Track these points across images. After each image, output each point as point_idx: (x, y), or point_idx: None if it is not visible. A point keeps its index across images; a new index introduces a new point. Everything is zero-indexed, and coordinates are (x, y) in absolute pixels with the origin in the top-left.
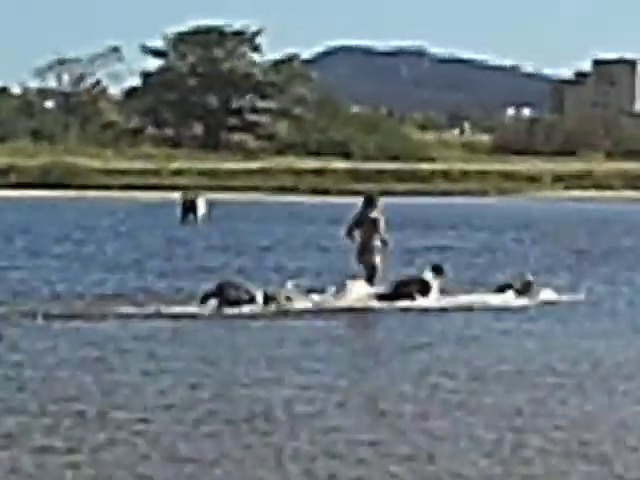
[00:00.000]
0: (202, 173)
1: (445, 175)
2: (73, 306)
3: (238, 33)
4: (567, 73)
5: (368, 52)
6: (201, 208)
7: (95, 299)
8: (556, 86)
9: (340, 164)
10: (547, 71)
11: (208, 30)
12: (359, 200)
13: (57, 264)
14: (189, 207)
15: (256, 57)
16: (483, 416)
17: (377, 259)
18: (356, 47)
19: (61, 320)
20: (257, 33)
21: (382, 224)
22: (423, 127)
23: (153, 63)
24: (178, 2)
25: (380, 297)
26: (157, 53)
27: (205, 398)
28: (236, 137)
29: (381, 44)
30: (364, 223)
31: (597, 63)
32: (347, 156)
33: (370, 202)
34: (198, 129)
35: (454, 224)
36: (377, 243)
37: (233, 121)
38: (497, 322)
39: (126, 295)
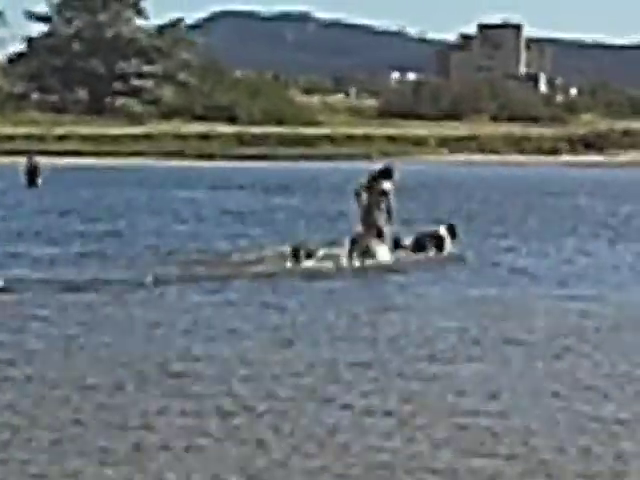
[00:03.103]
0: (87, 138)
1: (330, 139)
2: None
3: None
4: (452, 37)
5: (253, 16)
6: (42, 172)
7: None
8: (441, 50)
9: (225, 128)
10: (432, 35)
11: None
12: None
13: None
14: (33, 171)
15: (141, 22)
16: None
17: (382, 221)
18: (241, 11)
19: None
20: None
21: (392, 197)
22: (308, 91)
23: (38, 28)
24: None
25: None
26: (42, 18)
27: None
28: (121, 102)
29: (266, 9)
30: (373, 191)
31: (482, 27)
32: (233, 120)
33: (387, 174)
34: (83, 94)
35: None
36: (382, 211)
37: (118, 86)
38: None
39: None
